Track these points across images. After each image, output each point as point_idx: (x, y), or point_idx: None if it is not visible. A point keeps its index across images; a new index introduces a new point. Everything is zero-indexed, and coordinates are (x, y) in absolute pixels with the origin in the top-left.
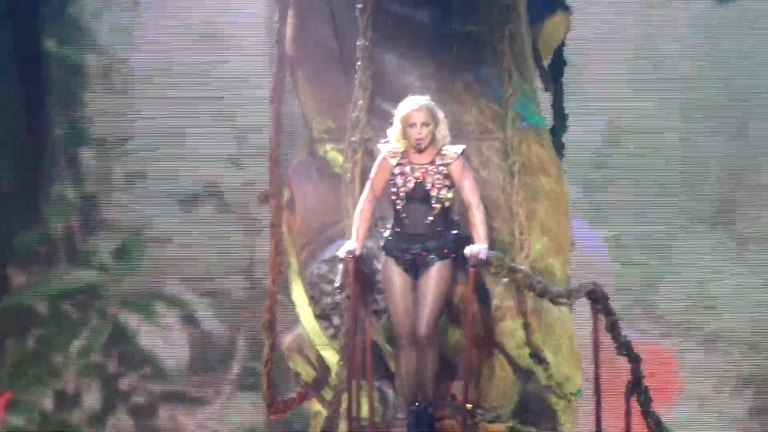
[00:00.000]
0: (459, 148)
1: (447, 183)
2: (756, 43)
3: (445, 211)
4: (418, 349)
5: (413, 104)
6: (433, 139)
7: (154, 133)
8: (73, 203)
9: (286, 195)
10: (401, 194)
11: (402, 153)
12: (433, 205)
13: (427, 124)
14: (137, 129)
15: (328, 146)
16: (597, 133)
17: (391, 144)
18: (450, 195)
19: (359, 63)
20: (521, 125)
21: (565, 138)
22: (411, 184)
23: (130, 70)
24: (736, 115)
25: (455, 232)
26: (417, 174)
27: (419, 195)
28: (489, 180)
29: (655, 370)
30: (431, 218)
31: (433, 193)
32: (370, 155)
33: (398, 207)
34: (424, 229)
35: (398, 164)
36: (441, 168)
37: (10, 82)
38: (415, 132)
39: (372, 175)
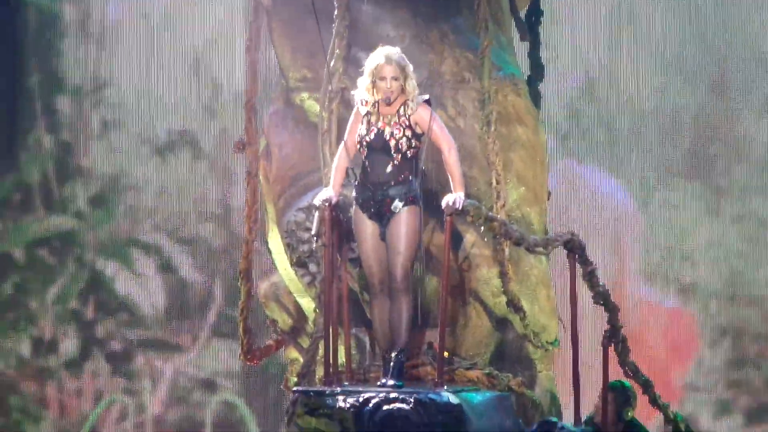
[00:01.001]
0: (422, 97)
1: (408, 133)
2: None
3: (408, 161)
4: (392, 296)
5: (382, 57)
6: (402, 92)
7: (130, 82)
8: (48, 150)
9: (262, 144)
10: (363, 143)
11: (374, 102)
12: (393, 155)
13: (396, 79)
14: (113, 77)
15: (305, 95)
16: (573, 86)
17: (362, 92)
18: (413, 144)
19: (335, 12)
20: (497, 75)
21: (542, 89)
22: (372, 135)
23: (106, 19)
24: (712, 68)
25: (419, 179)
26: (379, 124)
27: (379, 145)
28: (465, 129)
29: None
30: (391, 168)
31: (392, 143)
32: (347, 104)
33: (363, 156)
34: (386, 177)
35: (367, 113)
36: (403, 119)
37: None
38: (385, 85)
39: (349, 124)
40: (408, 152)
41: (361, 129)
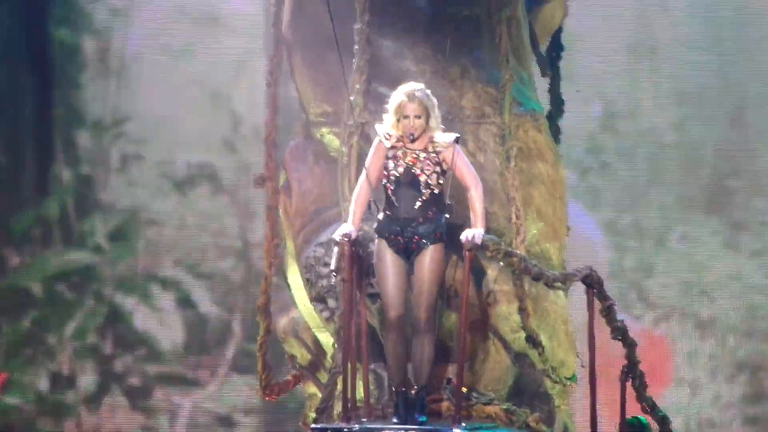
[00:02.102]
0: (452, 136)
1: (437, 170)
2: (753, 29)
3: (436, 197)
4: (416, 334)
5: (406, 95)
6: (426, 129)
7: (150, 116)
8: (68, 185)
9: (282, 178)
10: (391, 178)
11: (398, 137)
12: (422, 191)
13: (419, 117)
14: (133, 111)
15: (325, 129)
16: (593, 119)
17: (386, 127)
18: (441, 181)
19: (356, 46)
20: (518, 110)
21: (562, 123)
22: (401, 169)
23: (126, 52)
24: (731, 102)
25: (447, 216)
26: (408, 159)
27: (408, 180)
28: (485, 165)
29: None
30: (420, 203)
31: (422, 179)
32: (367, 139)
33: (389, 191)
34: (415, 213)
35: (392, 147)
36: (432, 155)
37: (17, 65)
38: (408, 123)
39: (369, 158)
40: (436, 189)
41: (389, 164)
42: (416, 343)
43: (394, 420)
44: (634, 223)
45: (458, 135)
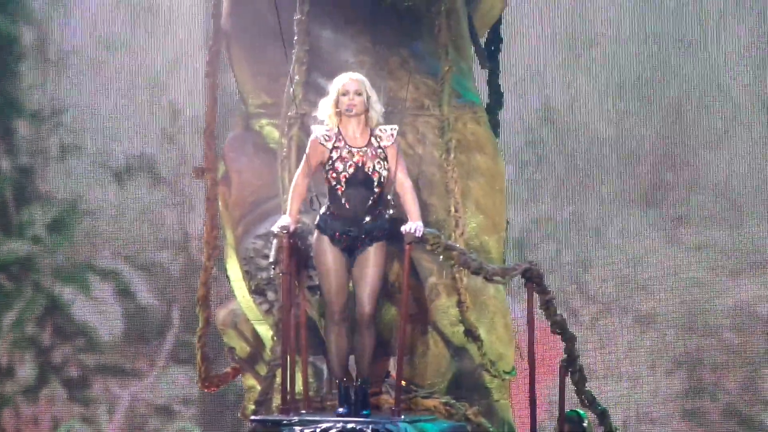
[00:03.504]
0: (393, 128)
1: (386, 165)
2: (693, 22)
3: (382, 194)
4: (359, 328)
5: (346, 76)
6: (365, 113)
7: (89, 106)
8: (6, 175)
9: (221, 170)
10: (342, 180)
11: (336, 135)
12: (374, 189)
13: (360, 94)
14: (72, 101)
15: (264, 121)
16: (532, 112)
17: (324, 126)
18: (386, 176)
19: (296, 38)
20: (457, 102)
21: (501, 116)
22: (351, 169)
23: (64, 42)
24: (671, 96)
25: (390, 212)
26: (356, 158)
27: (361, 179)
28: (424, 157)
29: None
30: (371, 202)
31: (375, 177)
32: (306, 130)
33: (338, 191)
34: (365, 212)
35: (335, 147)
36: (379, 151)
37: None
38: (347, 99)
39: (307, 152)
40: (384, 185)
41: (338, 166)
42: (360, 336)
43: (339, 410)
44: (573, 217)
45: (397, 127)
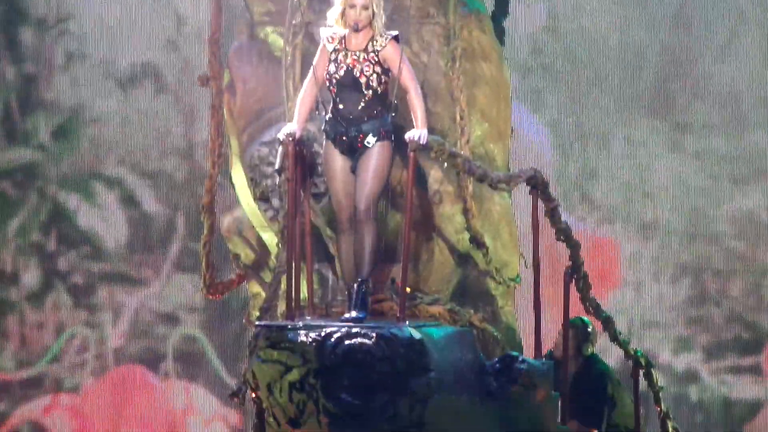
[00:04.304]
0: (390, 33)
1: (378, 69)
2: None
3: (379, 97)
4: (356, 227)
5: None
6: (370, 24)
7: (94, 14)
8: (12, 83)
9: (226, 78)
10: (333, 80)
11: (340, 38)
12: (364, 92)
13: (366, 8)
14: (76, 9)
15: (269, 29)
16: (536, 20)
17: (331, 29)
18: (383, 80)
19: None
20: (462, 10)
21: (505, 24)
22: (342, 71)
23: None
24: (674, 3)
25: (392, 115)
26: (349, 61)
27: (350, 82)
28: (429, 65)
29: (595, 257)
30: (363, 104)
31: (362, 80)
32: (311, 38)
33: (332, 93)
34: (358, 113)
35: (335, 50)
36: (372, 55)
37: None
38: (354, 13)
39: (315, 59)
40: (379, 88)
41: (331, 66)
42: (356, 236)
43: (349, 315)
44: (578, 126)
45: (397, 33)
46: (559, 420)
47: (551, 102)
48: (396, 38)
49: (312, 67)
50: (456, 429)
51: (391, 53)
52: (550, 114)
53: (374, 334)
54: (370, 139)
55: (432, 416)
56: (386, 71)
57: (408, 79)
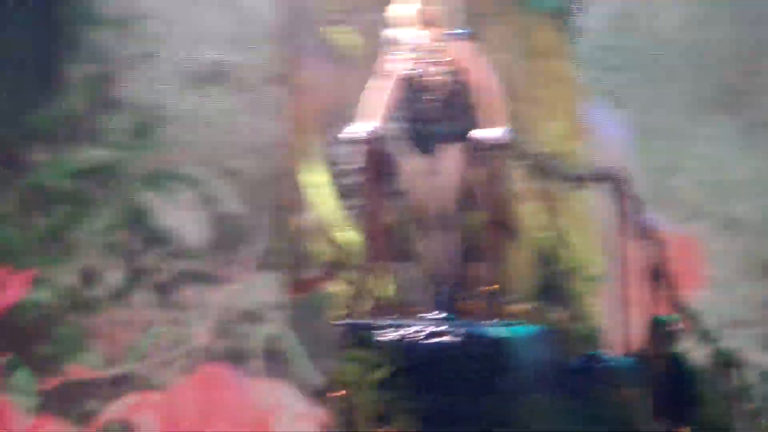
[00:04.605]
0: (461, 31)
1: (448, 69)
2: None
3: (454, 95)
4: (442, 230)
5: None
6: (444, 23)
7: (170, 13)
8: (90, 82)
9: (304, 77)
10: (408, 80)
11: (414, 37)
12: (434, 91)
13: (436, 6)
14: (153, 8)
15: (343, 28)
16: (611, 18)
17: (404, 28)
18: (458, 79)
19: None
20: (537, 8)
21: (579, 22)
22: (416, 72)
23: None
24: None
25: (468, 113)
26: (423, 61)
27: (419, 81)
28: (504, 64)
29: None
30: (436, 103)
31: (437, 80)
32: (386, 38)
33: (407, 92)
34: (432, 113)
35: (408, 49)
36: (438, 54)
37: None
38: (425, 12)
39: (390, 59)
40: (453, 87)
41: (405, 66)
42: (442, 239)
43: (433, 315)
44: (658, 123)
45: (469, 30)
46: (645, 419)
47: (630, 99)
48: (468, 35)
49: (387, 67)
50: (541, 427)
51: (463, 51)
52: (629, 111)
53: (459, 333)
54: (447, 139)
55: (517, 415)
56: (461, 70)
57: (484, 77)
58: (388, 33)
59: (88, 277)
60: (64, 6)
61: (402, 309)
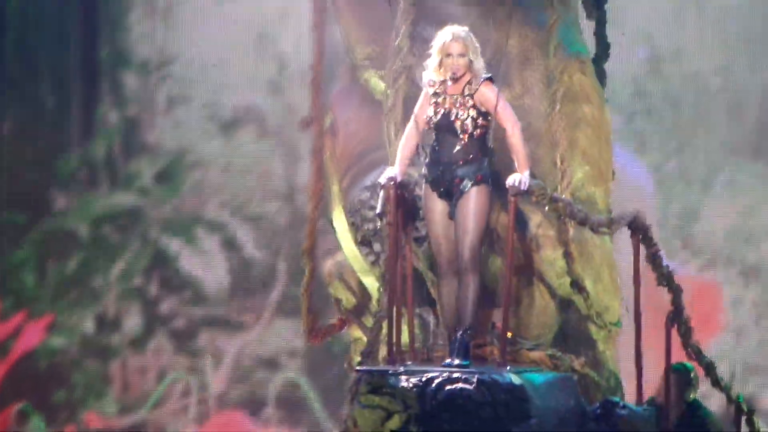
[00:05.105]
0: (485, 75)
1: (473, 113)
2: None
3: (476, 140)
4: (460, 276)
5: (449, 34)
6: (470, 70)
7: (197, 57)
8: (115, 126)
9: (327, 121)
10: (432, 124)
11: (441, 82)
12: (459, 135)
13: (463, 55)
14: (179, 53)
15: (371, 72)
16: (639, 63)
17: (429, 72)
18: (480, 123)
19: None
20: (564, 53)
21: (607, 67)
22: (439, 116)
23: None
24: None
25: (488, 158)
26: (447, 105)
27: (445, 125)
28: (531, 108)
29: (697, 302)
30: (459, 147)
31: (457, 124)
32: (412, 82)
33: (432, 137)
34: (455, 157)
35: (435, 93)
36: (467, 98)
37: (63, 7)
38: (452, 62)
39: (418, 103)
40: (475, 132)
41: (429, 110)
42: (460, 285)
43: (450, 362)
44: (680, 168)
45: (490, 75)
46: None
47: (654, 145)
48: (490, 79)
49: (415, 111)
50: None
51: (486, 95)
52: (652, 157)
53: (475, 380)
54: (466, 184)
55: None
56: (483, 114)
57: (506, 121)
58: (422, 78)
59: (106, 323)
60: (99, 51)
61: (419, 355)
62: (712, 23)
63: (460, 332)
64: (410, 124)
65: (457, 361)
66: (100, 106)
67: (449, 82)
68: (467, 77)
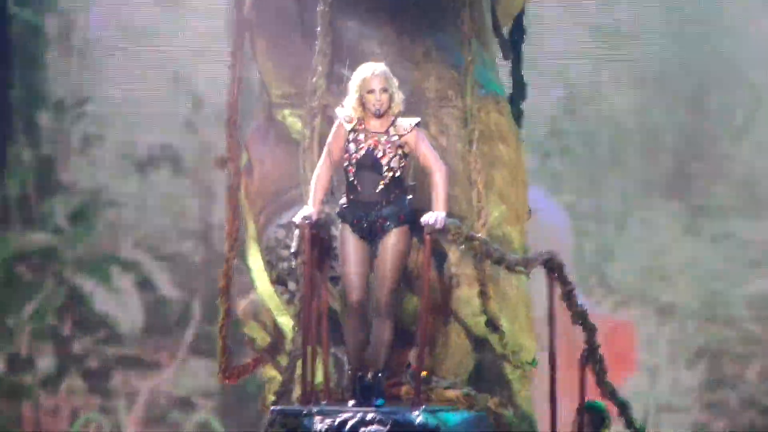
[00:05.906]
0: (414, 120)
1: (399, 153)
2: (713, 14)
3: (397, 180)
4: (376, 318)
5: (370, 71)
6: (390, 107)
7: (112, 96)
8: (29, 165)
9: (243, 160)
10: (353, 161)
11: (359, 119)
12: (384, 174)
13: (386, 90)
14: (95, 92)
15: (287, 111)
16: (555, 103)
17: (347, 109)
18: (402, 163)
19: (319, 28)
20: (480, 93)
21: (523, 107)
22: (362, 152)
23: (88, 32)
24: (692, 87)
25: (410, 197)
26: (369, 142)
27: (369, 163)
28: (448, 148)
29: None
30: (382, 186)
31: (384, 161)
32: (329, 121)
33: (350, 174)
34: (377, 196)
35: (353, 130)
36: (394, 138)
37: None
38: (374, 98)
39: (329, 140)
40: (398, 171)
41: (350, 147)
42: (375, 326)
43: (352, 403)
44: (595, 208)
45: (419, 119)
46: None
47: (569, 184)
48: (418, 124)
49: (327, 148)
50: None
51: (414, 138)
52: (567, 196)
53: (389, 421)
54: (390, 225)
55: None
56: (406, 155)
57: (433, 161)
58: (337, 114)
59: (18, 363)
60: (13, 89)
61: (333, 396)
62: (627, 63)
63: (374, 374)
64: (323, 157)
65: (372, 401)
66: (14, 144)
67: (371, 120)
68: (389, 115)
